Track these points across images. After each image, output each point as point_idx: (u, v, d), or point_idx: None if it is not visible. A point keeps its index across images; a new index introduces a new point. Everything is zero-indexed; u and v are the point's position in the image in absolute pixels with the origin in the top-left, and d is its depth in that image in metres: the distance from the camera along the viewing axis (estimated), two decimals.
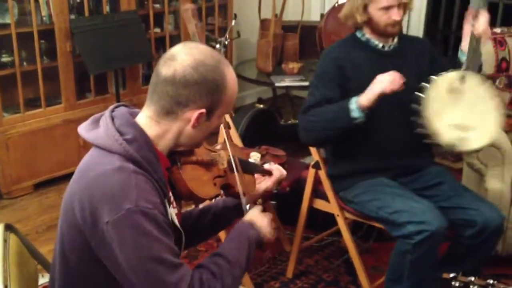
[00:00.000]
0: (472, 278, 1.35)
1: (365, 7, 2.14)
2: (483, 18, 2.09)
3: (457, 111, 2.09)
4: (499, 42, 2.87)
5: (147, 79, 3.89)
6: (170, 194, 1.42)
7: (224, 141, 1.64)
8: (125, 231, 1.22)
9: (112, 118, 1.34)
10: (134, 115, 1.38)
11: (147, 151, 1.31)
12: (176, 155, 1.43)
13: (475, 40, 2.10)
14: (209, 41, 4.14)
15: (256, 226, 1.50)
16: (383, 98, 2.10)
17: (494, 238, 2.13)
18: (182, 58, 1.31)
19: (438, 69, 2.17)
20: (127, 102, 3.64)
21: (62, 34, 3.26)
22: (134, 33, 3.47)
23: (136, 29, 3.49)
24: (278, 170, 1.76)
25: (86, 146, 3.38)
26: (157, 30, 3.82)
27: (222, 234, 2.62)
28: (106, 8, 3.46)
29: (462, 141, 2.07)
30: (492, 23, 4.95)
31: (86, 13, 3.37)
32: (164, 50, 3.90)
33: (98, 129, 1.34)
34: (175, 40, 3.95)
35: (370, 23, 2.18)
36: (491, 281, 1.34)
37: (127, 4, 3.51)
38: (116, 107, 1.40)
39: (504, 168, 2.56)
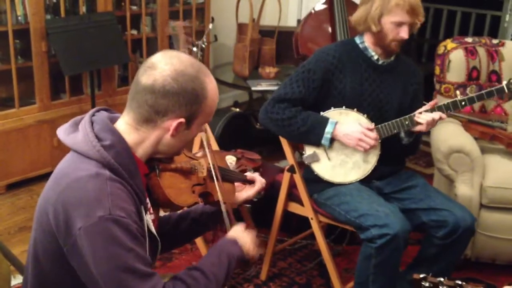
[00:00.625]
0: (442, 279, 1.38)
1: (380, 17, 2.15)
2: (434, 116, 2.15)
3: None
4: (470, 52, 2.95)
5: (123, 81, 3.88)
6: (148, 201, 1.41)
7: (204, 148, 1.64)
8: (97, 238, 1.21)
9: (92, 123, 1.34)
10: (114, 120, 1.38)
11: (125, 158, 1.31)
12: (155, 162, 1.42)
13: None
14: (186, 44, 4.15)
15: (239, 243, 1.50)
16: (363, 105, 2.21)
17: (465, 238, 2.20)
18: (162, 67, 1.31)
19: (415, 108, 2.24)
20: (102, 104, 3.63)
21: (37, 34, 3.23)
22: (110, 35, 3.45)
23: (113, 31, 3.48)
24: (260, 181, 1.78)
25: (60, 147, 3.37)
26: (134, 31, 3.81)
27: (198, 239, 2.64)
28: (83, 9, 3.44)
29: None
30: (464, 33, 5.07)
31: (62, 14, 3.34)
32: (141, 52, 3.90)
33: (77, 133, 1.34)
34: (152, 42, 3.94)
35: (377, 33, 2.18)
36: (459, 282, 1.37)
37: (104, 5, 3.50)
38: (97, 111, 1.40)
39: (473, 174, 2.62)
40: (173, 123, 1.33)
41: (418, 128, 2.18)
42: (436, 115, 2.15)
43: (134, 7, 3.77)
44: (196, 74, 1.33)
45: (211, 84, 1.36)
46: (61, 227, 1.25)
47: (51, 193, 1.29)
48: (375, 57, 2.24)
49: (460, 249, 2.23)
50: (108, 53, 3.46)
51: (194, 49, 3.60)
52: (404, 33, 2.13)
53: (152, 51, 3.91)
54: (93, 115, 1.37)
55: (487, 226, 2.62)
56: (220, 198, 1.58)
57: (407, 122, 2.18)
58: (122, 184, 1.28)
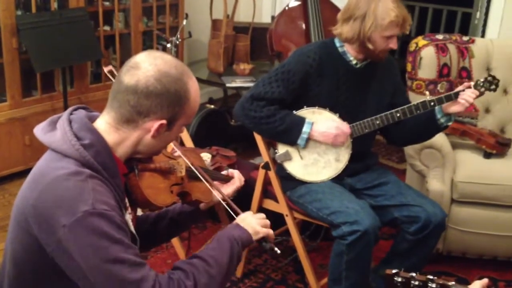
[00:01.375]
0: (413, 274, 1.41)
1: (372, 34, 2.13)
2: (473, 95, 2.15)
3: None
4: (440, 49, 2.99)
5: (95, 78, 3.84)
6: (126, 200, 1.41)
7: (181, 147, 1.64)
8: (83, 233, 1.20)
9: (70, 121, 1.32)
10: (93, 119, 1.37)
11: (104, 157, 1.30)
12: (134, 162, 1.41)
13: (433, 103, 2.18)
14: (159, 40, 4.13)
15: (242, 225, 1.51)
16: (338, 108, 2.23)
17: (436, 233, 2.24)
18: (146, 67, 1.29)
19: (398, 104, 2.25)
20: (75, 101, 3.59)
21: (7, 30, 3.17)
22: (82, 31, 3.41)
23: (85, 27, 3.44)
24: (238, 179, 1.78)
25: (32, 145, 3.33)
26: (107, 28, 3.77)
27: (174, 240, 2.63)
28: (54, 5, 3.39)
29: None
30: (436, 30, 5.14)
31: (33, 9, 3.29)
32: (114, 48, 3.87)
33: (54, 131, 1.32)
34: (125, 38, 3.91)
35: (368, 46, 2.16)
36: (430, 277, 1.40)
37: (76, 1, 3.45)
38: (75, 109, 1.38)
39: (444, 169, 2.67)
40: (154, 124, 1.32)
41: (454, 108, 2.18)
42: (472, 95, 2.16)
43: (107, 3, 3.73)
44: (179, 76, 1.32)
45: (193, 86, 1.36)
46: (43, 227, 1.23)
47: (30, 193, 1.27)
48: (354, 62, 2.25)
49: (432, 244, 2.27)
50: (81, 50, 3.42)
51: (168, 45, 3.59)
52: (393, 44, 2.15)
53: (125, 47, 3.89)
54: (71, 113, 1.36)
55: (458, 221, 2.68)
56: (218, 194, 1.60)
57: (378, 122, 2.21)
58: (102, 181, 1.28)
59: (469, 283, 2.67)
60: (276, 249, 1.57)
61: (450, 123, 2.26)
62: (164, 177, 1.50)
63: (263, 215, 1.59)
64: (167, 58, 1.33)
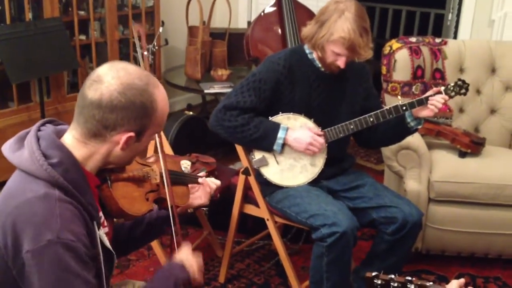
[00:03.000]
0: (393, 276, 1.44)
1: (324, 43, 2.17)
2: (441, 100, 2.20)
3: None
4: (414, 51, 3.05)
5: (72, 87, 3.81)
6: (101, 214, 1.40)
7: (157, 152, 1.65)
8: (44, 262, 1.20)
9: (38, 139, 1.30)
10: (61, 133, 1.35)
11: (74, 174, 1.28)
12: (106, 173, 1.40)
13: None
14: (136, 48, 4.12)
15: (186, 266, 1.52)
16: (312, 114, 2.26)
17: (413, 233, 2.28)
18: (109, 81, 1.28)
19: (371, 108, 2.30)
20: (52, 111, 3.56)
21: None
22: (58, 41, 3.39)
23: (60, 36, 3.41)
24: (212, 182, 1.80)
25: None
26: (82, 37, 3.76)
27: (154, 243, 2.63)
28: (29, 15, 3.37)
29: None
30: (409, 31, 5.21)
31: (8, 21, 3.26)
32: (90, 57, 3.85)
33: (22, 150, 1.30)
34: (101, 47, 3.89)
35: (322, 55, 2.22)
36: (409, 278, 1.43)
37: (51, 11, 3.43)
38: (43, 124, 1.36)
39: (421, 169, 2.72)
40: (122, 137, 1.31)
41: (424, 113, 2.23)
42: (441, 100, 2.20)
43: (82, 12, 3.71)
44: (144, 87, 1.30)
45: (160, 96, 1.34)
46: (9, 249, 1.23)
47: None
48: (322, 68, 2.28)
49: (409, 243, 2.31)
50: (57, 60, 3.39)
51: (145, 53, 3.58)
52: (341, 63, 2.18)
53: (101, 56, 3.87)
54: (38, 129, 1.34)
55: (436, 219, 2.73)
56: (169, 203, 1.60)
57: (352, 126, 2.25)
58: (72, 204, 1.26)
59: (448, 281, 2.73)
60: None
61: (419, 127, 2.32)
62: (139, 186, 1.50)
63: (200, 256, 1.61)
64: (131, 69, 1.32)
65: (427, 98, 2.21)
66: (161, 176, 1.58)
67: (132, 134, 1.32)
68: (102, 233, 1.38)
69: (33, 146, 1.28)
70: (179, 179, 1.70)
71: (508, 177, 2.69)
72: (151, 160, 1.70)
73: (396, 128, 2.33)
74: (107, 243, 1.41)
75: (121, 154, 1.35)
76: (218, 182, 1.85)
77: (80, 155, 1.32)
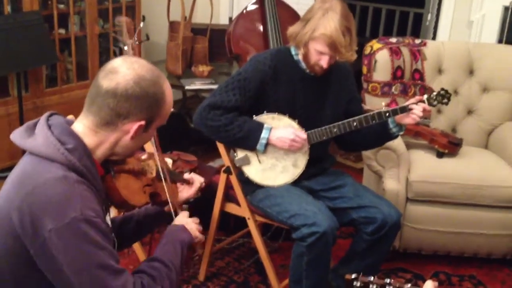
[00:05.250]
0: (372, 278, 1.46)
1: (307, 41, 2.19)
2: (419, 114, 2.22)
3: None
4: (394, 52, 3.08)
5: (51, 81, 3.77)
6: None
7: (152, 150, 1.70)
8: (70, 238, 1.25)
9: (49, 126, 1.36)
10: (70, 124, 1.41)
11: (87, 161, 1.34)
12: (110, 164, 1.47)
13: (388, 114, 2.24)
14: (116, 43, 4.09)
15: (188, 228, 1.60)
16: (296, 115, 2.27)
17: (392, 233, 2.32)
18: (124, 71, 1.35)
19: (353, 112, 2.33)
20: (30, 105, 3.52)
21: None
22: (37, 34, 3.35)
23: (40, 30, 3.37)
24: (198, 181, 1.85)
25: None
26: (62, 31, 3.71)
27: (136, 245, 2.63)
28: (7, 8, 3.31)
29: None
30: (389, 30, 5.25)
31: None
32: (69, 51, 3.80)
33: (34, 136, 1.35)
34: (81, 41, 3.85)
35: (304, 53, 2.24)
36: (388, 280, 1.46)
37: (30, 4, 3.38)
38: (50, 115, 1.41)
39: (399, 169, 2.76)
40: (133, 126, 1.38)
41: (406, 121, 2.26)
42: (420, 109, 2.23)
43: (62, 6, 3.66)
44: (156, 79, 1.39)
45: (168, 89, 1.44)
46: (28, 230, 1.26)
47: (14, 197, 1.29)
48: (307, 70, 2.30)
49: (388, 243, 2.35)
50: (35, 54, 3.35)
51: (126, 48, 3.56)
52: (323, 62, 2.19)
53: (81, 50, 3.83)
54: (47, 119, 1.39)
55: (413, 219, 2.77)
56: (168, 197, 1.66)
57: (335, 130, 2.27)
58: (88, 186, 1.32)
59: (425, 279, 2.79)
60: (196, 255, 1.73)
61: (401, 133, 2.36)
62: (137, 178, 1.57)
63: (197, 220, 1.70)
64: (143, 62, 1.41)
65: (409, 106, 2.24)
66: (157, 172, 1.64)
67: (143, 122, 1.38)
68: (108, 219, 1.45)
69: (46, 132, 1.34)
70: (171, 176, 1.74)
71: (484, 177, 2.75)
72: (144, 157, 1.73)
73: (378, 134, 2.36)
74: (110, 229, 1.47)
75: (128, 144, 1.41)
76: (202, 180, 1.88)
77: (90, 143, 1.38)
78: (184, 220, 1.65)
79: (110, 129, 1.38)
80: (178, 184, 1.83)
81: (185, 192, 1.83)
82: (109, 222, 1.46)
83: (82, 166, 1.31)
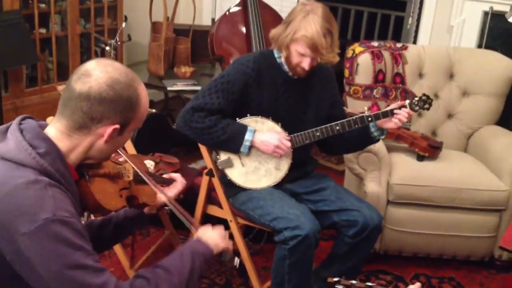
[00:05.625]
0: (354, 281, 1.48)
1: (289, 43, 2.20)
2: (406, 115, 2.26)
3: None
4: (376, 55, 3.11)
5: (31, 81, 3.73)
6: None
7: (124, 153, 1.68)
8: (44, 241, 1.22)
9: (21, 131, 1.33)
10: (43, 127, 1.38)
11: (60, 165, 1.32)
12: (84, 168, 1.44)
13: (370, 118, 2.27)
14: (98, 43, 4.06)
15: (203, 239, 1.56)
16: (279, 118, 2.29)
17: (373, 236, 2.34)
18: (98, 75, 1.33)
19: (335, 116, 2.35)
20: (10, 105, 3.48)
21: None
22: (17, 34, 3.31)
23: (20, 30, 3.33)
24: (181, 182, 1.83)
25: None
26: (42, 30, 3.67)
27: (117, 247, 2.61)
28: None
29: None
30: (371, 32, 5.29)
31: None
32: (50, 51, 3.77)
33: (6, 141, 1.32)
34: (62, 41, 3.81)
35: (286, 55, 2.25)
36: (370, 284, 1.48)
37: (10, 4, 3.34)
38: (23, 119, 1.39)
39: (380, 172, 2.78)
40: (107, 130, 1.36)
41: (388, 125, 2.29)
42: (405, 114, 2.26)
43: (43, 5, 3.62)
44: (130, 82, 1.36)
45: (143, 92, 1.41)
46: (2, 235, 1.24)
47: None
48: (290, 73, 2.31)
49: (369, 246, 2.37)
50: (16, 53, 3.31)
51: (107, 48, 3.54)
52: (305, 64, 2.20)
53: (62, 50, 3.80)
54: (20, 123, 1.36)
55: (394, 221, 2.80)
56: (166, 199, 1.65)
57: (318, 134, 2.28)
58: (60, 189, 1.29)
59: (405, 281, 2.82)
60: (236, 260, 1.66)
61: (382, 137, 2.39)
62: (113, 182, 1.54)
63: (222, 227, 1.65)
64: (117, 65, 1.38)
65: (392, 111, 2.27)
66: (134, 175, 1.62)
67: (117, 126, 1.36)
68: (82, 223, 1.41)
69: (18, 137, 1.31)
70: (150, 179, 1.72)
71: (464, 180, 2.78)
72: (121, 159, 1.71)
73: (360, 137, 2.38)
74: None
75: (102, 147, 1.39)
76: (184, 181, 1.87)
77: (63, 147, 1.36)
78: (203, 231, 1.60)
79: (84, 133, 1.35)
80: (158, 186, 1.81)
81: (163, 196, 1.78)
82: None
83: (54, 171, 1.29)
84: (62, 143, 1.35)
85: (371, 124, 2.31)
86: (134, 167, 1.63)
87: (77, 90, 1.32)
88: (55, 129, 1.36)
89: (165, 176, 1.87)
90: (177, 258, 1.48)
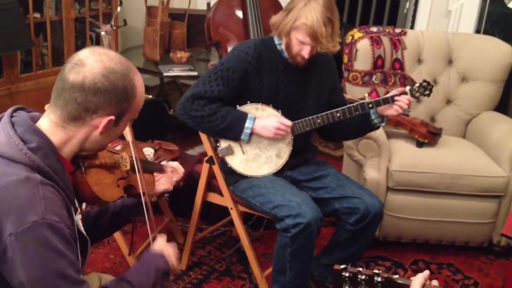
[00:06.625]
0: (360, 269, 1.47)
1: (289, 31, 2.18)
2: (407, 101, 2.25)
3: None
4: (375, 41, 3.09)
5: (25, 67, 3.67)
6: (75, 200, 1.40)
7: (125, 141, 1.64)
8: (29, 243, 1.18)
9: (13, 124, 1.29)
10: (35, 119, 1.34)
11: (52, 160, 1.28)
12: (80, 159, 1.41)
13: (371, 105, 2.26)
14: (93, 27, 4.00)
15: (166, 256, 1.54)
16: (279, 105, 2.27)
17: (374, 223, 2.34)
18: (92, 64, 1.29)
19: (335, 103, 2.34)
20: (4, 91, 3.43)
21: None
22: (11, 18, 3.24)
23: (14, 14, 3.26)
24: (177, 171, 1.80)
25: None
26: (37, 15, 3.60)
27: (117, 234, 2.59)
28: None
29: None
30: (366, 17, 5.25)
31: None
32: (45, 36, 3.71)
33: None
34: (56, 25, 3.75)
35: (286, 43, 2.23)
36: (376, 271, 1.47)
37: None
38: (14, 111, 1.35)
39: (380, 158, 2.78)
40: (102, 121, 1.32)
41: (389, 112, 2.28)
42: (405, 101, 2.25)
43: None
44: (126, 72, 1.33)
45: (139, 82, 1.37)
46: None
47: None
48: (290, 60, 2.29)
49: (370, 233, 2.37)
50: (10, 39, 3.25)
51: (102, 33, 3.48)
52: (305, 52, 2.19)
53: (56, 34, 3.74)
54: (11, 116, 1.32)
55: (393, 208, 2.81)
56: (141, 190, 1.60)
57: (319, 121, 2.27)
58: (53, 187, 1.26)
59: (404, 267, 2.83)
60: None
61: (383, 124, 2.38)
62: (110, 172, 1.51)
63: (175, 245, 1.63)
64: (112, 54, 1.34)
65: (392, 98, 2.25)
66: (131, 164, 1.58)
67: (112, 117, 1.33)
68: (78, 219, 1.38)
69: (9, 131, 1.27)
70: (146, 167, 1.70)
71: (463, 167, 2.79)
72: (118, 148, 1.69)
73: (360, 124, 2.38)
74: (82, 229, 1.41)
75: (98, 139, 1.36)
76: (182, 169, 1.85)
77: (57, 139, 1.32)
78: (163, 245, 1.57)
79: (78, 124, 1.32)
80: (156, 174, 1.79)
81: (163, 184, 1.78)
82: (79, 223, 1.39)
83: (46, 167, 1.25)
84: (56, 136, 1.32)
85: (371, 111, 2.30)
86: (133, 154, 1.60)
87: (70, 80, 1.29)
88: (48, 120, 1.33)
89: (163, 163, 1.85)
90: (144, 273, 1.45)
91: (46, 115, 1.33)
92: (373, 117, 2.33)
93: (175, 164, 1.85)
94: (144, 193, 1.62)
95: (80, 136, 1.34)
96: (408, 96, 2.26)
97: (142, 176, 1.62)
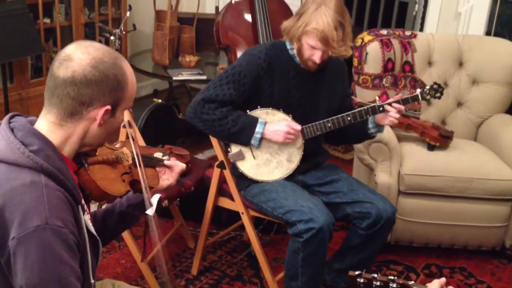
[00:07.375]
0: (376, 275, 1.47)
1: (301, 36, 2.18)
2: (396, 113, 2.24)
3: None
4: (385, 44, 3.08)
5: (36, 71, 3.70)
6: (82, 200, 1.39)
7: (126, 138, 1.64)
8: (31, 248, 1.18)
9: (12, 130, 1.29)
10: (32, 123, 1.34)
11: (55, 160, 1.28)
12: (81, 157, 1.41)
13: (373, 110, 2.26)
14: (102, 32, 4.01)
15: None
16: (290, 110, 2.26)
17: (387, 228, 2.33)
18: (80, 57, 1.29)
19: (345, 108, 2.34)
20: (15, 96, 3.45)
21: None
22: (22, 24, 3.27)
23: (24, 20, 3.29)
24: (177, 165, 1.79)
25: None
26: (47, 20, 3.63)
27: (125, 235, 2.59)
28: None
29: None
30: (374, 22, 5.24)
31: None
32: (54, 41, 3.73)
33: None
34: (66, 30, 3.78)
35: (298, 48, 2.22)
36: (392, 277, 1.46)
37: None
38: (12, 117, 1.35)
39: (391, 162, 2.77)
40: (99, 112, 1.32)
41: (384, 122, 2.28)
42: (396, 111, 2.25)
43: None
44: (114, 61, 1.33)
45: (129, 70, 1.37)
46: None
47: None
48: (302, 65, 2.28)
49: (383, 238, 2.37)
50: (21, 44, 3.27)
51: (112, 37, 3.50)
52: (316, 57, 2.18)
53: (66, 40, 3.75)
54: (9, 122, 1.32)
55: (405, 211, 2.79)
56: (144, 184, 1.59)
57: (329, 125, 2.26)
58: (58, 191, 1.25)
59: (416, 271, 2.81)
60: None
61: (380, 134, 2.40)
62: (113, 167, 1.52)
63: None
64: (98, 45, 1.33)
65: (404, 100, 2.26)
66: (133, 158, 1.59)
67: (108, 107, 1.33)
68: (87, 218, 1.38)
69: (9, 137, 1.27)
70: (147, 161, 1.71)
71: (475, 170, 2.77)
72: (118, 145, 1.70)
73: (358, 132, 2.39)
74: (92, 229, 1.41)
75: (97, 132, 1.36)
76: (183, 165, 1.84)
77: (57, 139, 1.32)
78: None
79: (76, 120, 1.32)
80: (160, 169, 1.78)
81: (167, 179, 1.77)
82: (88, 223, 1.39)
83: (51, 167, 1.25)
84: (55, 135, 1.32)
85: (369, 119, 2.31)
86: (134, 148, 1.59)
87: (61, 76, 1.28)
88: (46, 121, 1.32)
89: (165, 159, 1.84)
90: None
91: (43, 116, 1.33)
92: (370, 126, 2.33)
93: (173, 160, 1.84)
94: (145, 185, 1.60)
95: (79, 132, 1.34)
96: (400, 105, 2.25)
97: (144, 170, 1.61)
